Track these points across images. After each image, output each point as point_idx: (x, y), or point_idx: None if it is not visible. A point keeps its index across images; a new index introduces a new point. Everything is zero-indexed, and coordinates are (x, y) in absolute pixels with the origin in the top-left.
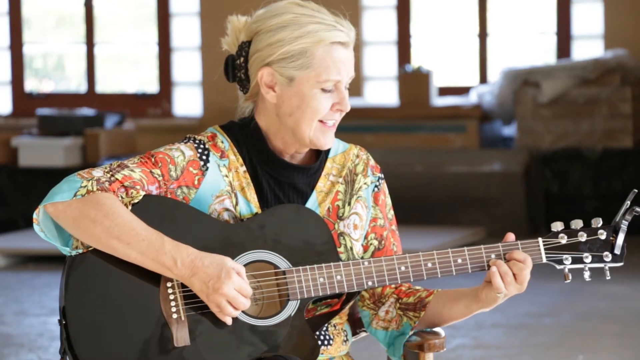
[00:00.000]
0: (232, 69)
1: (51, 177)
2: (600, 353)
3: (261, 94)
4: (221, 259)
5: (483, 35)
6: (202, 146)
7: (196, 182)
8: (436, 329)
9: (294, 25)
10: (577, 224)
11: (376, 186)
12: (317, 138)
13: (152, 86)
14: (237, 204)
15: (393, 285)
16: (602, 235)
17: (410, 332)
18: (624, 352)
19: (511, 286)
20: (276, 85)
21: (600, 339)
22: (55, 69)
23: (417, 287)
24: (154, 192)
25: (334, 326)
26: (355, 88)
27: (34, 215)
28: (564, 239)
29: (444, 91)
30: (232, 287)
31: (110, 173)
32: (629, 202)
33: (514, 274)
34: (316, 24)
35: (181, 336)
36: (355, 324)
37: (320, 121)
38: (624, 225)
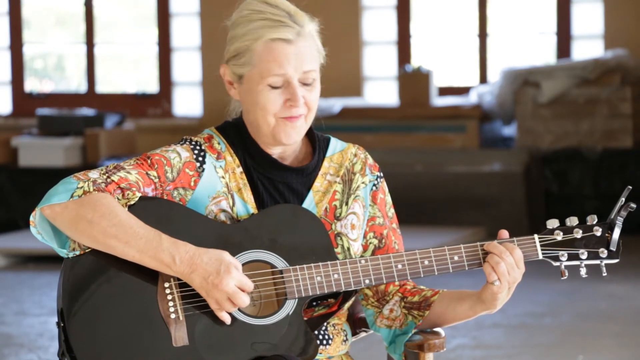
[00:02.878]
0: None
1: (51, 177)
2: (600, 353)
3: None
4: (219, 254)
5: (483, 35)
6: (198, 147)
7: (192, 184)
8: (436, 329)
9: (245, 22)
10: (572, 221)
11: (374, 185)
12: (278, 133)
13: (152, 86)
14: (233, 205)
15: (397, 283)
16: (598, 231)
17: (413, 331)
18: (624, 352)
19: (504, 277)
20: (234, 82)
21: (600, 339)
22: (55, 69)
23: (422, 287)
24: (150, 194)
25: (334, 326)
26: (355, 88)
27: (31, 218)
28: (559, 236)
29: (444, 91)
30: (232, 282)
31: (107, 175)
32: (623, 199)
33: (498, 257)
34: (262, 20)
35: (179, 336)
36: (356, 324)
37: (283, 117)
38: (619, 222)
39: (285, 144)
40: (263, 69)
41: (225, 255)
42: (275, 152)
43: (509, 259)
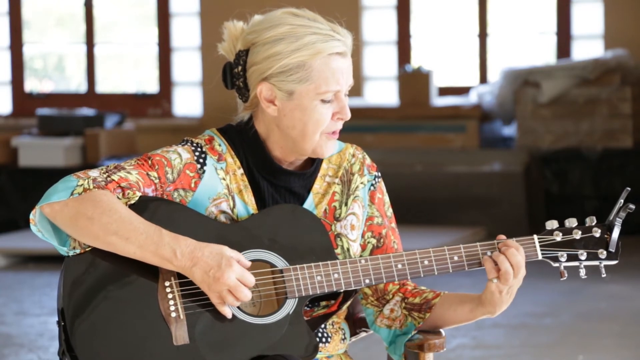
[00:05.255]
0: (231, 77)
1: (51, 177)
2: (600, 353)
3: (261, 106)
4: (220, 248)
5: (483, 35)
6: (199, 149)
7: (193, 185)
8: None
9: (291, 37)
10: (571, 222)
11: (372, 185)
12: (320, 147)
13: (152, 86)
14: (234, 206)
15: (397, 283)
16: (597, 232)
17: (413, 333)
18: (624, 352)
19: (507, 281)
20: (276, 99)
21: (600, 339)
22: (55, 69)
23: (423, 288)
24: (150, 195)
25: (332, 324)
26: (355, 88)
27: (31, 216)
28: (559, 236)
29: (444, 91)
30: (233, 275)
31: (107, 174)
32: (622, 200)
33: (508, 260)
34: (312, 34)
35: (180, 335)
36: (356, 324)
37: (327, 132)
38: (618, 223)
39: (325, 157)
40: (321, 84)
41: (226, 249)
42: (287, 161)
43: (518, 264)
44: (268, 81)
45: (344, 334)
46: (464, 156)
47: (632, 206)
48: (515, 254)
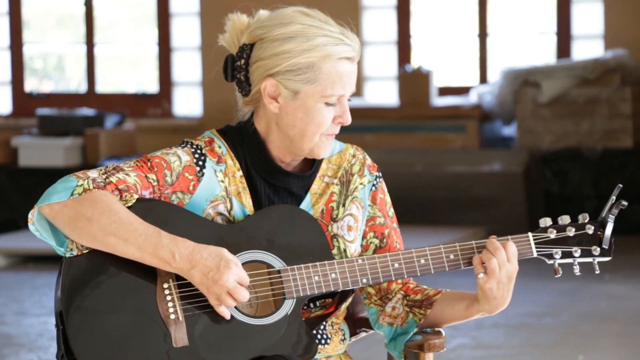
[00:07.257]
0: (232, 69)
1: (51, 177)
2: (600, 353)
3: (262, 102)
4: (218, 250)
5: (483, 35)
6: (199, 151)
7: (191, 188)
8: (437, 329)
9: (302, 37)
10: (564, 219)
11: (373, 185)
12: (318, 148)
13: (152, 86)
14: (231, 208)
15: (400, 281)
16: (590, 230)
17: (414, 330)
18: (624, 352)
19: (493, 273)
20: (279, 96)
21: (600, 339)
22: (55, 69)
23: (425, 286)
24: (148, 197)
25: (332, 325)
26: (356, 88)
27: (29, 215)
28: (553, 234)
29: (444, 91)
30: (232, 278)
31: (106, 175)
32: (614, 197)
33: (488, 250)
34: (324, 37)
35: (179, 336)
36: (356, 324)
37: (326, 134)
38: (611, 220)
39: (320, 157)
40: (327, 87)
41: (224, 251)
42: (285, 161)
43: (501, 256)
44: (274, 78)
45: (343, 335)
46: (464, 156)
47: (625, 203)
48: (494, 242)
